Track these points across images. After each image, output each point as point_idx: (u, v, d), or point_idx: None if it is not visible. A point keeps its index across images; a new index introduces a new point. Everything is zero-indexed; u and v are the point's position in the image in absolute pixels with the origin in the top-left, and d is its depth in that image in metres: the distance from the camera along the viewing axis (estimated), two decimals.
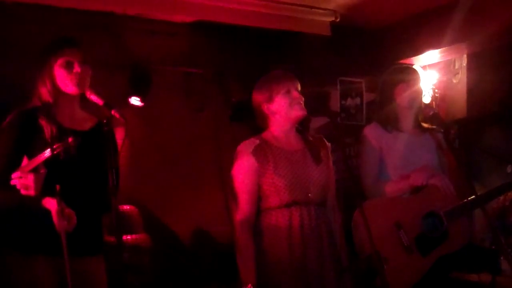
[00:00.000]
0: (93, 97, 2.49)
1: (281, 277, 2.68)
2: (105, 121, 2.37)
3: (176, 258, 4.60)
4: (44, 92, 2.57)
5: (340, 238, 2.87)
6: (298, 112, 2.78)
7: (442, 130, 3.16)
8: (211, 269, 4.51)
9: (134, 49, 4.57)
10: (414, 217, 2.96)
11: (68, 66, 2.55)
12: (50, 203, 2.37)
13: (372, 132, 3.20)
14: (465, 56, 5.07)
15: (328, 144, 2.92)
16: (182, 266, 4.60)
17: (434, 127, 3.22)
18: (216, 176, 4.75)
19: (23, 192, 2.31)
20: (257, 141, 2.81)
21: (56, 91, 2.57)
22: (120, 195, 2.37)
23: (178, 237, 4.68)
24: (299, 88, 2.83)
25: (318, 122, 4.48)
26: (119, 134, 2.62)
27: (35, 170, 2.31)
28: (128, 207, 4.27)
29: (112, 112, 2.36)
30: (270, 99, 2.82)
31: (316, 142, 2.89)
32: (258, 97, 2.86)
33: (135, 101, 4.51)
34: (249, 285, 2.63)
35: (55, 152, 2.30)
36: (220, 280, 4.28)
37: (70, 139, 2.32)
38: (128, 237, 4.06)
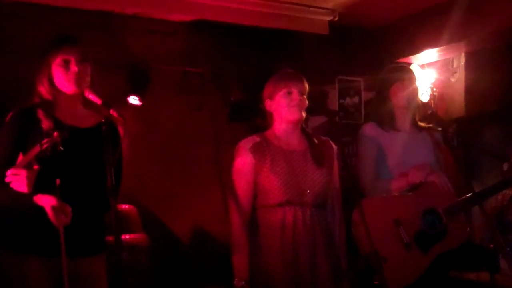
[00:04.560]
0: (92, 96, 2.47)
1: (273, 276, 2.69)
2: (103, 120, 2.35)
3: (175, 257, 4.60)
4: (43, 91, 2.55)
5: (340, 241, 2.87)
6: (293, 115, 2.77)
7: (439, 129, 3.16)
8: (210, 268, 4.51)
9: (132, 48, 4.57)
10: (413, 214, 2.96)
11: (66, 65, 2.51)
12: (43, 200, 2.34)
13: (369, 132, 3.20)
14: (463, 55, 5.07)
15: (335, 147, 2.91)
16: (181, 265, 4.60)
17: (431, 125, 3.23)
18: (215, 175, 4.75)
19: (16, 188, 2.28)
20: (258, 139, 2.82)
21: (54, 90, 2.55)
22: (118, 194, 2.37)
23: (176, 236, 4.68)
24: (305, 91, 2.80)
25: (316, 121, 4.49)
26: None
27: (28, 166, 2.28)
28: (126, 207, 4.26)
29: (111, 111, 2.35)
30: (271, 97, 2.82)
31: (321, 145, 2.87)
32: (264, 92, 2.87)
33: (133, 100, 4.51)
34: (241, 280, 2.67)
35: (43, 148, 2.24)
36: (219, 280, 4.28)
37: (55, 134, 2.25)
38: (127, 236, 4.06)
